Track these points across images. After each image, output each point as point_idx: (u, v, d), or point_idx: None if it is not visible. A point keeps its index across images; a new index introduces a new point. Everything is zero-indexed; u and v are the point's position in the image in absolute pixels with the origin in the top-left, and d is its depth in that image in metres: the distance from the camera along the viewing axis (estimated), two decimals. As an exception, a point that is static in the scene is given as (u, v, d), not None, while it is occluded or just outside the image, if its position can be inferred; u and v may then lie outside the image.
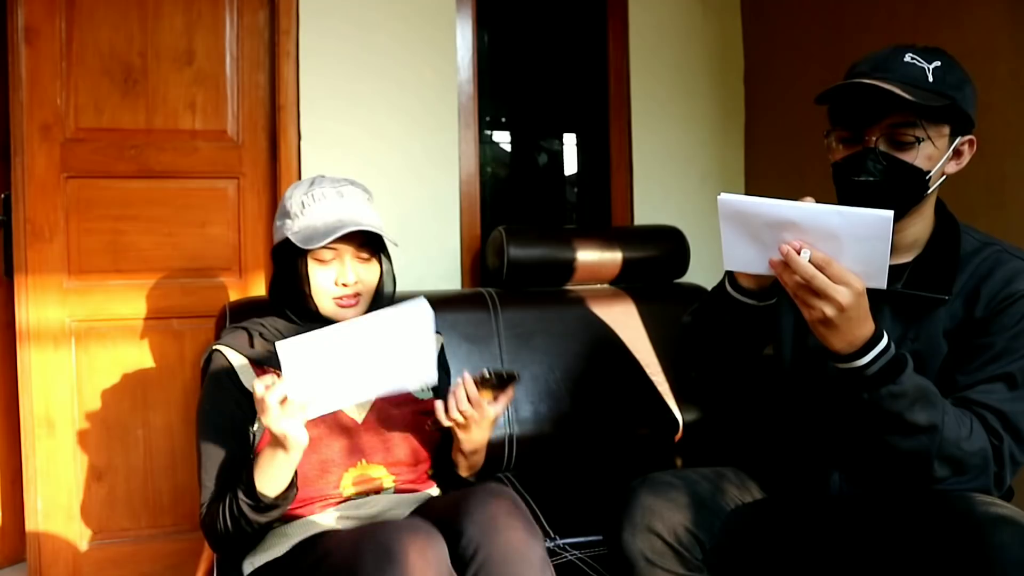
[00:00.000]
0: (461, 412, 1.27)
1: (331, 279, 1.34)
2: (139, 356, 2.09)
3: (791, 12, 2.37)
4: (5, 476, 2.13)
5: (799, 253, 1.04)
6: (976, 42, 1.75)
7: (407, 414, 1.39)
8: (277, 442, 1.15)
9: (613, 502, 1.29)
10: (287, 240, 1.34)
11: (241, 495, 1.18)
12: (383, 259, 1.42)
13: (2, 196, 2.08)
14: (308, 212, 1.34)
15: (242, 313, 1.74)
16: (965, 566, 1.01)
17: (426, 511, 1.26)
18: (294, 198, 1.37)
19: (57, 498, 2.02)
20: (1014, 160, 1.70)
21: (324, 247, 1.31)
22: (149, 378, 2.09)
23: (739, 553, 1.27)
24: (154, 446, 2.09)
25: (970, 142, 1.22)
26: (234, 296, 2.10)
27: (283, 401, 1.12)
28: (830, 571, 1.24)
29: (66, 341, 2.03)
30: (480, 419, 1.29)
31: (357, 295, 1.36)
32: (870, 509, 1.23)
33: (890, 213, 1.00)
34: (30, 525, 2.00)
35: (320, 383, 1.15)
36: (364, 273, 1.37)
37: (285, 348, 1.11)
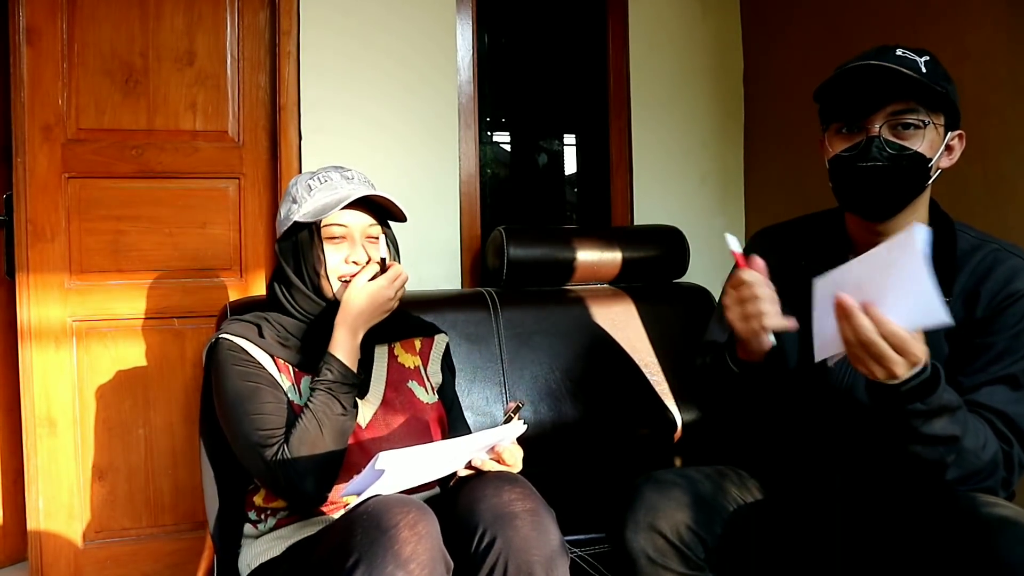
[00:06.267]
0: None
1: (341, 258, 1.34)
2: (140, 356, 2.09)
3: (791, 12, 2.37)
4: (7, 475, 2.14)
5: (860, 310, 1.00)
6: (976, 42, 1.75)
7: (410, 419, 1.38)
8: (356, 326, 1.29)
9: (615, 500, 1.28)
10: (294, 226, 1.34)
11: (332, 376, 1.26)
12: (389, 236, 1.41)
13: (4, 196, 2.09)
14: (316, 194, 1.35)
15: (243, 312, 1.74)
16: (968, 567, 1.01)
17: (438, 501, 1.25)
18: (299, 184, 1.39)
19: (58, 497, 2.02)
20: (1013, 160, 1.70)
21: (336, 223, 1.33)
22: (150, 377, 2.10)
23: (741, 553, 1.26)
24: (155, 445, 2.10)
25: (960, 137, 1.22)
26: (235, 296, 2.10)
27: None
28: (832, 571, 1.24)
29: (67, 341, 2.03)
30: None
31: None
32: (872, 510, 1.23)
33: (920, 227, 0.96)
34: (31, 524, 2.01)
35: (407, 475, 1.14)
36: (374, 252, 1.36)
37: (385, 459, 1.06)
